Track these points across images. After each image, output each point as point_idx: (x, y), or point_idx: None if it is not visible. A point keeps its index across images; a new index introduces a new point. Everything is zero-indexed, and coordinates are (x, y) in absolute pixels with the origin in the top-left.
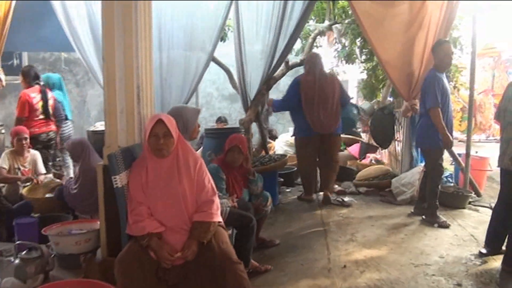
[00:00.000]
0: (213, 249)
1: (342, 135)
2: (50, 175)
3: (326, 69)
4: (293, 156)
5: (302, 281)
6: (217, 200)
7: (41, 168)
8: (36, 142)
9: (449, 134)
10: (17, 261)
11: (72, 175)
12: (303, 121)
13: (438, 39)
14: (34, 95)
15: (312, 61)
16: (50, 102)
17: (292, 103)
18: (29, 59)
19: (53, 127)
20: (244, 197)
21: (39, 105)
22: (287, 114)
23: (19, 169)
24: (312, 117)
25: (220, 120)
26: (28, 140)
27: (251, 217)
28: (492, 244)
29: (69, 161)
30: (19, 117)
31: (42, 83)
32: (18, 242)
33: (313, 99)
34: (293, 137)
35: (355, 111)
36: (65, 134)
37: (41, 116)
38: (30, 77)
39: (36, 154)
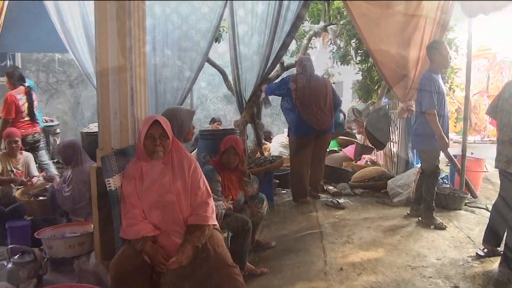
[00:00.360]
0: (209, 252)
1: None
2: (41, 178)
3: (321, 70)
4: (288, 157)
5: (298, 284)
6: (212, 203)
7: (34, 170)
8: (23, 143)
9: (445, 136)
10: (10, 265)
11: (52, 174)
12: (299, 118)
13: (433, 40)
14: (20, 97)
15: (304, 63)
16: (35, 103)
17: (278, 94)
18: (23, 60)
19: (38, 128)
20: (239, 199)
21: (24, 107)
22: (282, 115)
23: (12, 171)
24: (308, 113)
25: (213, 120)
26: (20, 142)
27: (246, 220)
28: (490, 240)
29: (48, 161)
30: (5, 119)
31: (26, 84)
32: (10, 245)
33: (304, 97)
34: (288, 138)
35: (342, 117)
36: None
37: (27, 118)
38: (14, 78)
39: (28, 156)
